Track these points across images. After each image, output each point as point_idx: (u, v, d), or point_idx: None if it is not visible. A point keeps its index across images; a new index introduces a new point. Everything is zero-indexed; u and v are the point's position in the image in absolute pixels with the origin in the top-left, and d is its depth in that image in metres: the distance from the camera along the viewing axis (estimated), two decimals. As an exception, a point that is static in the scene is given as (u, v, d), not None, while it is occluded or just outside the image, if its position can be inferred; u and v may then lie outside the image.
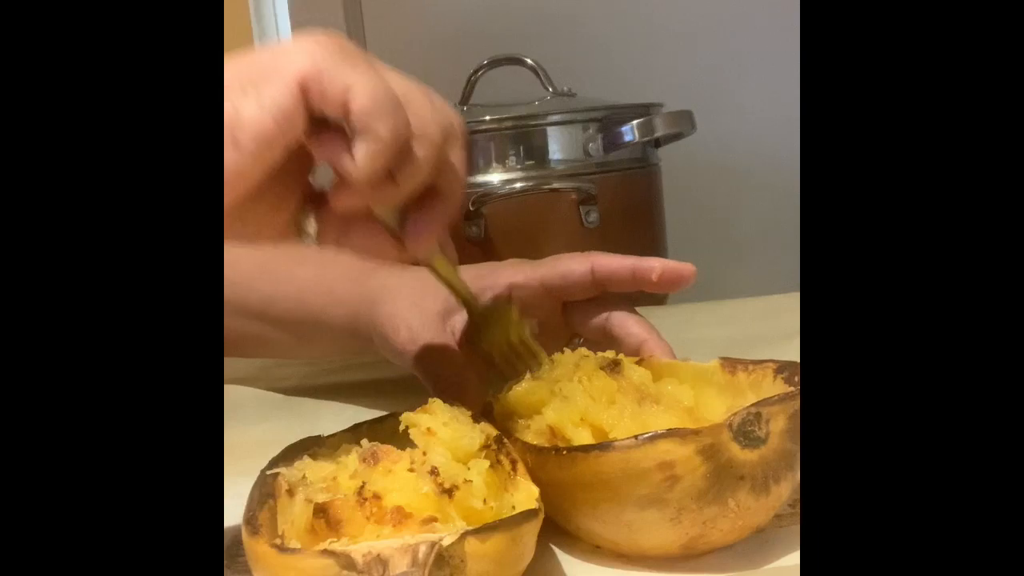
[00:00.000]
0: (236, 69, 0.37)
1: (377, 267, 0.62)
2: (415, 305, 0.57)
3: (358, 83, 0.37)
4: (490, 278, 0.58)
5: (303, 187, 0.42)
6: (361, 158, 0.38)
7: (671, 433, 0.36)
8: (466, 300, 0.52)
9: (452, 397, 0.50)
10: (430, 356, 0.55)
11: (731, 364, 0.45)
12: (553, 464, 0.38)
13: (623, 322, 0.56)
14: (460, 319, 0.58)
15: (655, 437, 0.36)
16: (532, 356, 0.51)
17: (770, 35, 1.25)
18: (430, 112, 0.40)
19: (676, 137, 0.98)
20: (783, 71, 1.14)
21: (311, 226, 0.43)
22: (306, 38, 0.38)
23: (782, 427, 0.37)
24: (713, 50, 1.31)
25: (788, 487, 0.38)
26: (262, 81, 0.37)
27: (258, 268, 0.64)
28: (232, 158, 0.36)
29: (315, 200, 0.43)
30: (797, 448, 0.38)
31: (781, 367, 0.44)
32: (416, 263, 0.49)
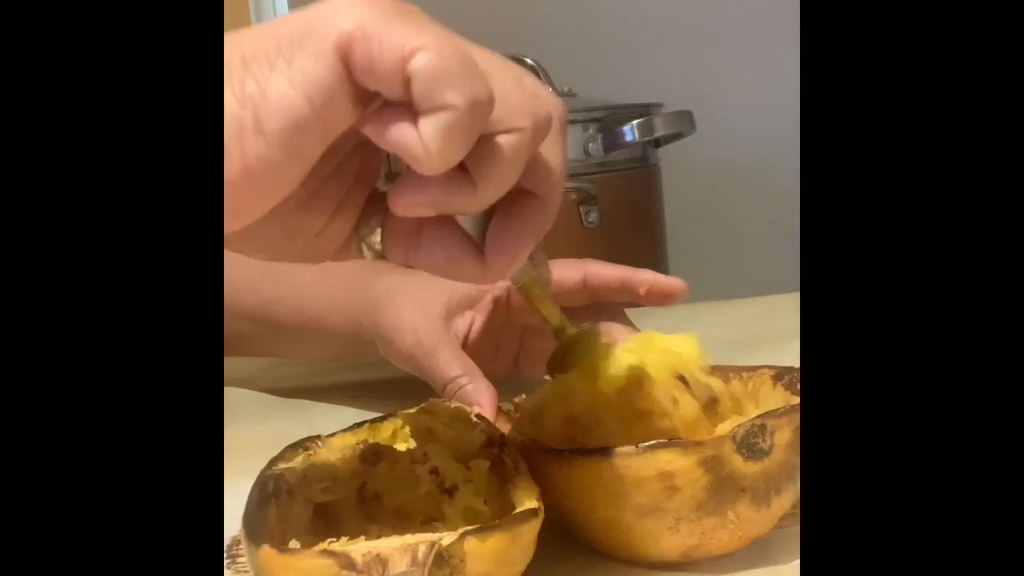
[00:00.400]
0: (262, 37, 0.30)
1: (379, 270, 0.62)
2: (418, 309, 0.57)
3: (419, 42, 0.28)
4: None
5: (366, 191, 0.34)
6: (431, 136, 0.29)
7: (673, 443, 0.36)
8: (556, 327, 0.44)
9: (460, 400, 0.50)
10: (436, 360, 0.55)
11: (723, 372, 0.44)
12: (554, 465, 0.38)
13: (612, 329, 0.55)
14: (463, 321, 0.58)
15: (656, 446, 0.36)
16: None
17: (770, 35, 1.25)
18: (519, 95, 0.31)
19: (676, 137, 0.98)
20: (783, 71, 1.14)
21: (376, 240, 0.34)
22: None
23: (787, 439, 0.37)
24: (713, 50, 1.31)
25: (790, 498, 0.38)
26: (293, 49, 0.29)
27: (260, 271, 0.64)
28: (257, 149, 0.29)
29: (382, 208, 0.34)
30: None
31: (779, 373, 0.43)
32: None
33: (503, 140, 0.31)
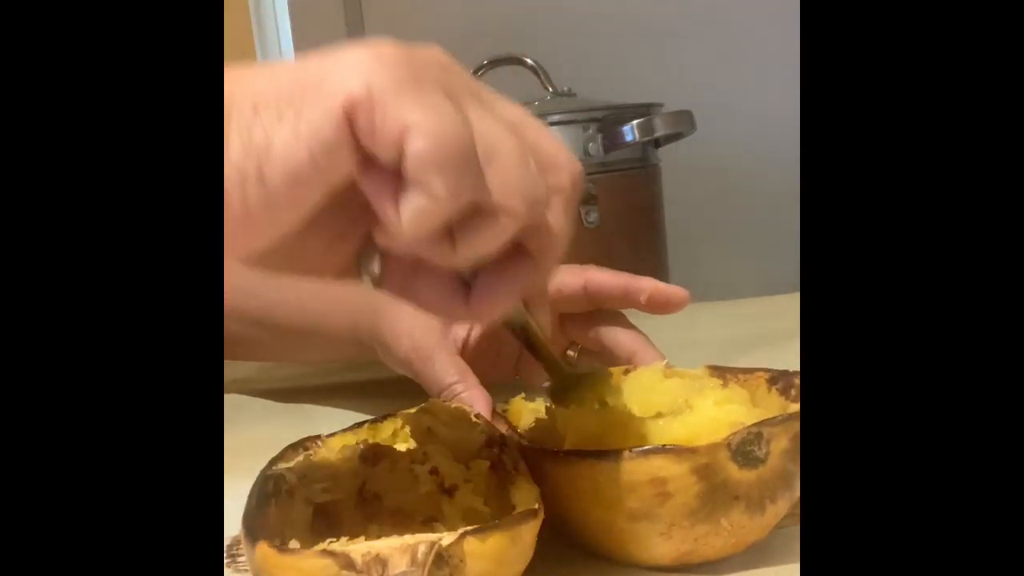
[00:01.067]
0: (275, 84, 0.31)
1: None
2: (416, 314, 0.57)
3: (420, 121, 0.29)
4: None
5: (369, 221, 0.33)
6: (407, 216, 0.30)
7: (667, 449, 0.36)
8: (554, 371, 0.44)
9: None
10: (431, 366, 0.55)
11: (720, 373, 0.44)
12: (551, 467, 0.38)
13: (614, 333, 0.56)
14: (462, 327, 0.58)
15: (650, 451, 0.36)
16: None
17: (770, 35, 1.25)
18: (519, 177, 0.31)
19: (676, 137, 0.98)
20: (783, 71, 1.14)
21: (375, 268, 0.35)
22: (367, 48, 0.31)
23: (783, 447, 0.36)
24: (713, 50, 1.31)
25: (786, 505, 0.38)
26: (302, 102, 0.30)
27: (259, 275, 0.64)
28: (258, 197, 0.30)
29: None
30: (797, 468, 0.37)
31: (774, 377, 0.43)
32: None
33: (489, 218, 0.31)
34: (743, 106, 1.30)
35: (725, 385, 0.43)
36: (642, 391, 0.44)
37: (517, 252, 0.34)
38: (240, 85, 0.31)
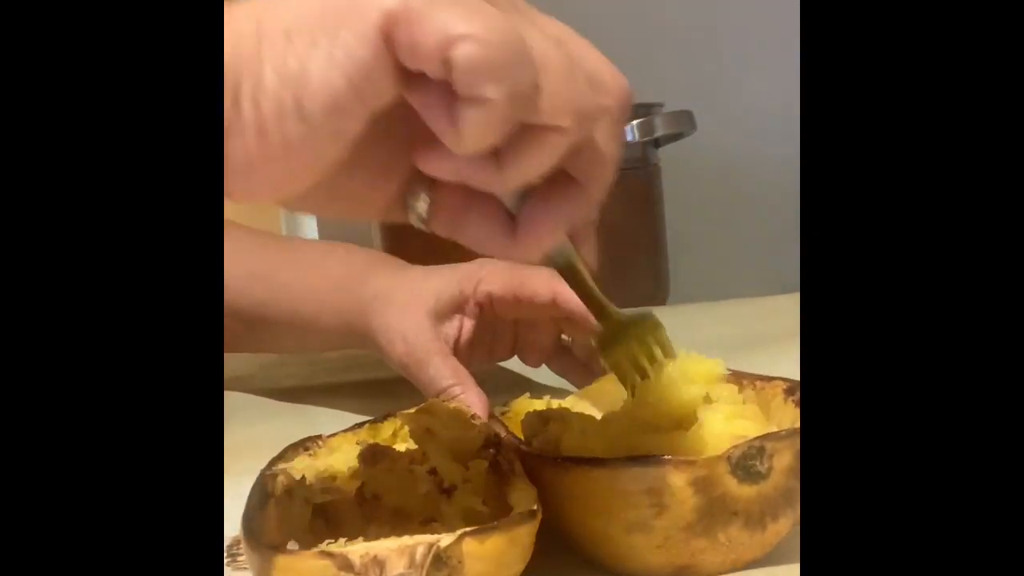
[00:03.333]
0: (308, 5, 0.29)
1: (369, 272, 0.62)
2: (406, 315, 0.57)
3: (464, 27, 0.27)
4: (467, 284, 0.58)
5: (415, 152, 0.32)
6: (465, 125, 0.28)
7: (665, 459, 0.35)
8: (600, 310, 0.43)
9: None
10: (426, 370, 0.55)
11: (737, 378, 0.43)
12: (548, 473, 0.38)
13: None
14: (452, 325, 0.58)
15: (647, 461, 0.35)
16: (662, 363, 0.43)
17: (770, 35, 1.25)
18: (569, 90, 0.30)
19: (676, 137, 0.98)
20: (783, 71, 1.14)
21: (422, 206, 0.33)
22: None
23: (787, 464, 0.35)
24: (713, 50, 1.31)
25: (787, 524, 0.37)
26: (336, 26, 0.28)
27: (251, 274, 0.64)
28: (297, 130, 0.28)
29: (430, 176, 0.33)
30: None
31: (791, 387, 0.42)
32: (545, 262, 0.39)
33: (539, 134, 0.30)
34: (743, 106, 1.29)
35: (741, 391, 0.42)
36: (683, 378, 0.42)
37: (564, 179, 0.32)
38: (271, 12, 0.30)
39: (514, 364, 0.63)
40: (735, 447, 0.35)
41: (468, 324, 0.58)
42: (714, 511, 0.35)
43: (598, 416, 0.43)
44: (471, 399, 0.53)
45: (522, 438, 0.42)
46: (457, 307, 0.58)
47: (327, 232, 1.23)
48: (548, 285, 0.56)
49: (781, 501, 0.36)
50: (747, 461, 0.35)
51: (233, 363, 0.70)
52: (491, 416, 0.46)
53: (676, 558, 0.36)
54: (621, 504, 0.35)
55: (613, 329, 0.43)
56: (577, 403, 0.48)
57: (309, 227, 1.23)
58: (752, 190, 1.31)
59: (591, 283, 0.41)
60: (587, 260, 0.38)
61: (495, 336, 0.60)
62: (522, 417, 0.44)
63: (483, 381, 0.55)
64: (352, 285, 0.61)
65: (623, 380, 0.43)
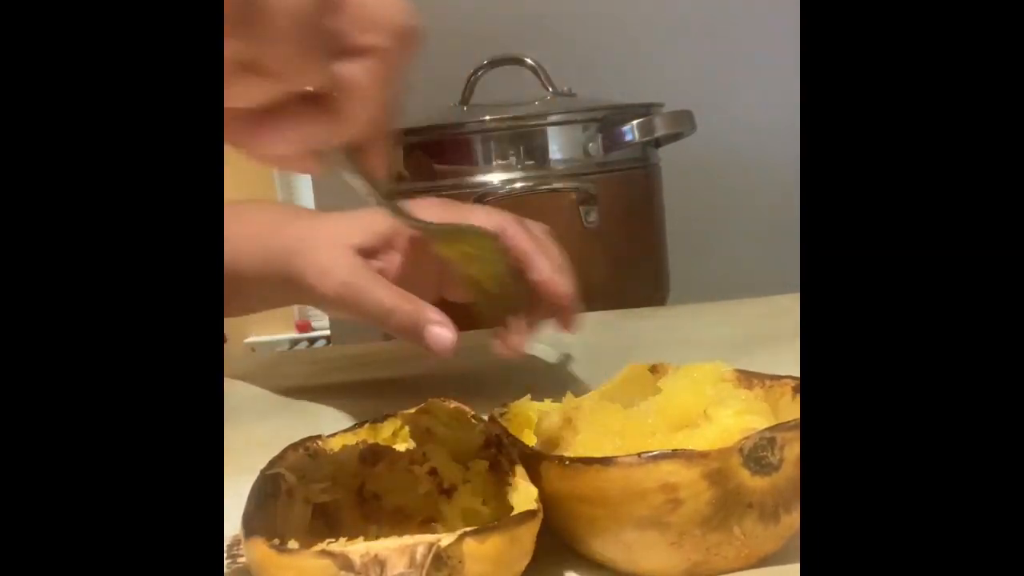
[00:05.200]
0: None
1: (291, 217, 0.61)
2: (334, 252, 0.56)
3: None
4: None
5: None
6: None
7: (677, 454, 0.35)
8: (391, 208, 0.46)
9: (406, 326, 0.51)
10: (372, 295, 0.54)
11: (747, 377, 0.43)
12: (554, 474, 0.37)
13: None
14: (384, 259, 0.57)
15: (659, 457, 0.35)
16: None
17: (770, 35, 1.25)
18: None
19: (676, 137, 0.98)
20: (783, 71, 1.14)
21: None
22: None
23: (797, 455, 0.35)
24: (713, 50, 1.31)
25: (799, 517, 0.36)
26: None
27: None
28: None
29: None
30: None
31: (799, 386, 0.41)
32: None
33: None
34: (743, 106, 1.30)
35: (750, 388, 0.42)
36: (693, 384, 0.42)
37: (324, 100, 0.36)
38: None
39: (514, 364, 0.63)
40: (746, 438, 0.35)
41: (397, 259, 0.58)
42: (729, 504, 0.35)
43: (615, 416, 0.43)
44: (429, 315, 0.52)
45: (529, 441, 0.42)
46: (385, 243, 0.58)
47: (323, 202, 1.22)
48: (493, 220, 0.55)
49: (794, 492, 0.36)
50: (758, 452, 0.35)
51: (233, 362, 0.70)
52: (491, 418, 0.46)
53: (691, 554, 0.36)
54: (634, 502, 0.35)
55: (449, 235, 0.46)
56: (593, 402, 0.48)
57: (306, 194, 1.23)
58: (752, 190, 1.31)
59: (375, 181, 0.42)
60: (376, 171, 0.41)
61: (424, 274, 0.59)
62: (526, 418, 0.44)
63: (483, 382, 0.55)
64: (273, 230, 0.61)
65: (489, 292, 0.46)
